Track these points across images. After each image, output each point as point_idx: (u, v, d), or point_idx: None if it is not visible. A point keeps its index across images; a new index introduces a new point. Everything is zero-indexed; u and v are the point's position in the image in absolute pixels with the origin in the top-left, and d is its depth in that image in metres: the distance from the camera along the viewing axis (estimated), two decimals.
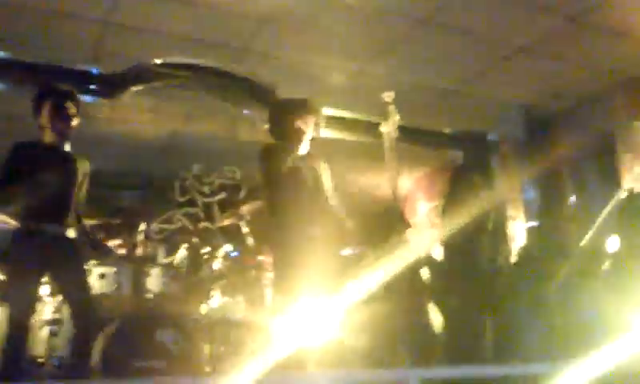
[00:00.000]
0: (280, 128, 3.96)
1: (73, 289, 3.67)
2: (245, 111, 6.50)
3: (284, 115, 3.98)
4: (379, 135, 4.21)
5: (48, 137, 3.79)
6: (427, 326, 4.35)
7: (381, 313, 4.11)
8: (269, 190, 3.87)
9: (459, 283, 4.40)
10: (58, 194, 3.70)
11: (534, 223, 7.18)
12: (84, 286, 3.73)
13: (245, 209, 5.26)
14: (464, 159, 7.40)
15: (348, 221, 4.00)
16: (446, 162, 8.09)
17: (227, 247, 5.53)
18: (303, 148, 3.92)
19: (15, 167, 3.61)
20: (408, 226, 4.34)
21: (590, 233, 5.00)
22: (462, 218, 4.43)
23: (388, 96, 4.02)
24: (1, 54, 5.58)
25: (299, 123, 3.90)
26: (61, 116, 3.78)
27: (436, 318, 4.45)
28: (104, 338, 4.07)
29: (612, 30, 5.54)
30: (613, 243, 4.94)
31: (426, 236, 6.37)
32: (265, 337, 3.84)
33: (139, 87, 6.13)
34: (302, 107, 3.98)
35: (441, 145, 7.71)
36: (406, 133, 4.56)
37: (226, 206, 6.65)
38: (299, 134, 3.89)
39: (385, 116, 4.17)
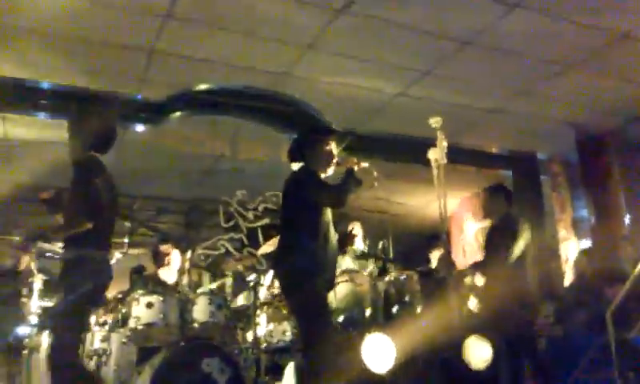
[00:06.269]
0: (310, 152, 3.91)
1: None
2: (288, 135, 6.47)
3: (315, 139, 3.95)
4: (427, 160, 4.12)
5: None
6: None
7: None
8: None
9: None
10: None
11: (587, 243, 6.96)
12: None
13: None
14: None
15: None
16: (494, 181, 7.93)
17: (272, 273, 5.47)
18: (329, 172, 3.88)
19: None
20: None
21: None
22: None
23: (435, 122, 3.93)
24: (45, 85, 5.69)
25: (329, 149, 3.86)
26: None
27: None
28: (151, 368, 4.05)
29: None
30: None
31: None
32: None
33: (184, 113, 6.19)
34: (331, 133, 3.98)
35: (488, 164, 7.56)
36: (453, 153, 4.46)
37: (270, 232, 6.60)
38: (329, 159, 3.85)
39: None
